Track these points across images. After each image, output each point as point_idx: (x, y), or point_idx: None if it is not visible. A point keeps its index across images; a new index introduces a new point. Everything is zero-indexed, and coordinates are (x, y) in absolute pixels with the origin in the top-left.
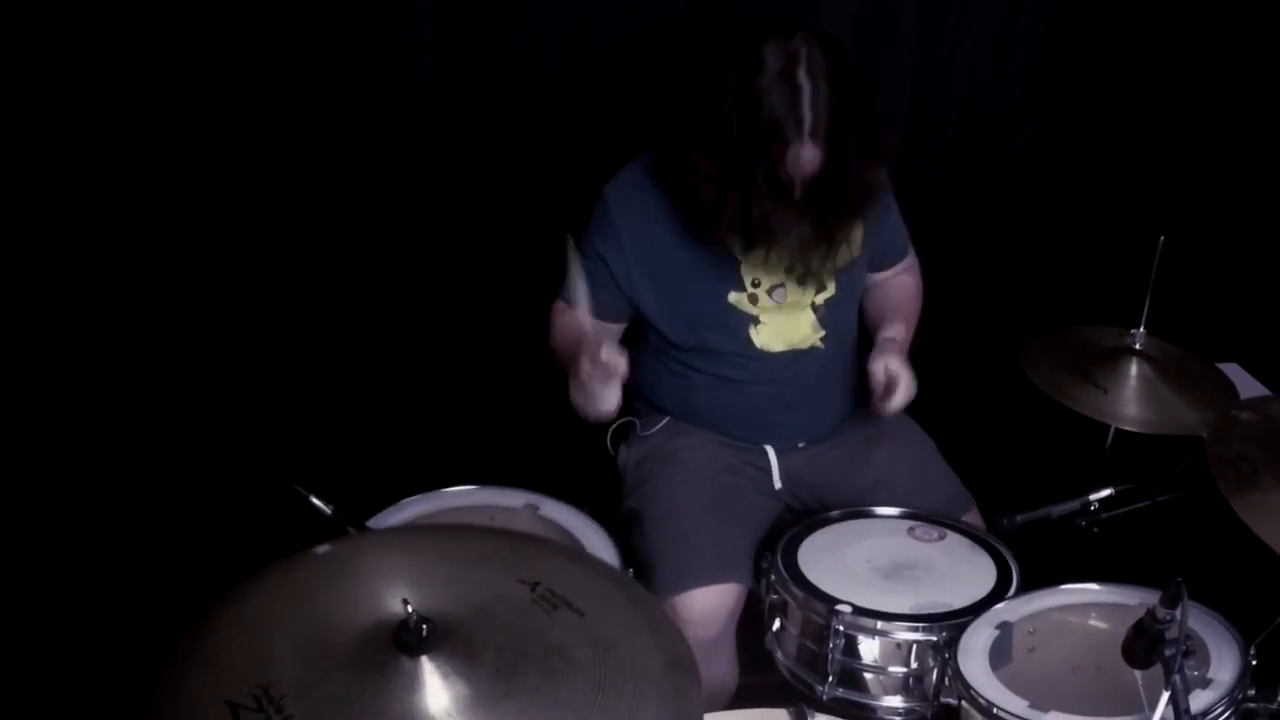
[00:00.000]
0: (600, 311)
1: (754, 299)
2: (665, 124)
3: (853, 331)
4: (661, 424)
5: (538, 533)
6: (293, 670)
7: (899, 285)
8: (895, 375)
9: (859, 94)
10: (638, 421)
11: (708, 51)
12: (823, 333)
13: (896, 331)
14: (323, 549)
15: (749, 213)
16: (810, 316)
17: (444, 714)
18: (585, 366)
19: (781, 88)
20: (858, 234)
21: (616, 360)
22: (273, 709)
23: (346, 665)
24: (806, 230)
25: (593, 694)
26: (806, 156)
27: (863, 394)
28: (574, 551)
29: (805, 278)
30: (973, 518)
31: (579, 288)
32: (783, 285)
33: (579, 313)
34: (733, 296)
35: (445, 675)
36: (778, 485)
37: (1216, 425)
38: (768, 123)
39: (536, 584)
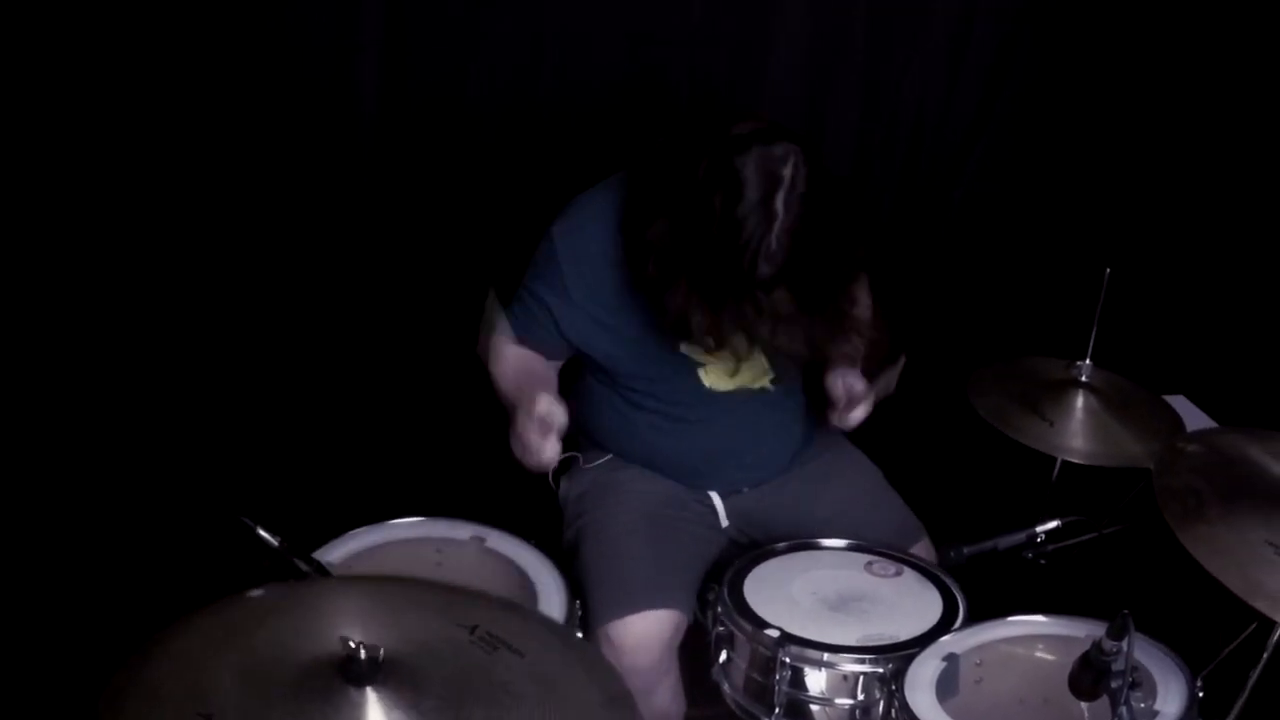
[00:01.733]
0: (544, 353)
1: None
2: (642, 227)
3: (800, 375)
4: (606, 458)
5: (484, 564)
6: (235, 699)
7: None
8: (854, 388)
9: (835, 216)
10: (580, 456)
11: (684, 147)
12: (772, 374)
13: (852, 349)
14: (256, 592)
15: (737, 329)
16: (762, 360)
17: None
18: (521, 419)
19: (759, 213)
20: None
21: (555, 412)
22: None
23: (291, 696)
24: (800, 338)
25: None
26: (775, 259)
27: (809, 434)
28: (508, 601)
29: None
30: (923, 548)
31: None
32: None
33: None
34: (685, 345)
35: (391, 707)
36: (724, 524)
37: (1163, 457)
38: (745, 233)
39: (475, 627)
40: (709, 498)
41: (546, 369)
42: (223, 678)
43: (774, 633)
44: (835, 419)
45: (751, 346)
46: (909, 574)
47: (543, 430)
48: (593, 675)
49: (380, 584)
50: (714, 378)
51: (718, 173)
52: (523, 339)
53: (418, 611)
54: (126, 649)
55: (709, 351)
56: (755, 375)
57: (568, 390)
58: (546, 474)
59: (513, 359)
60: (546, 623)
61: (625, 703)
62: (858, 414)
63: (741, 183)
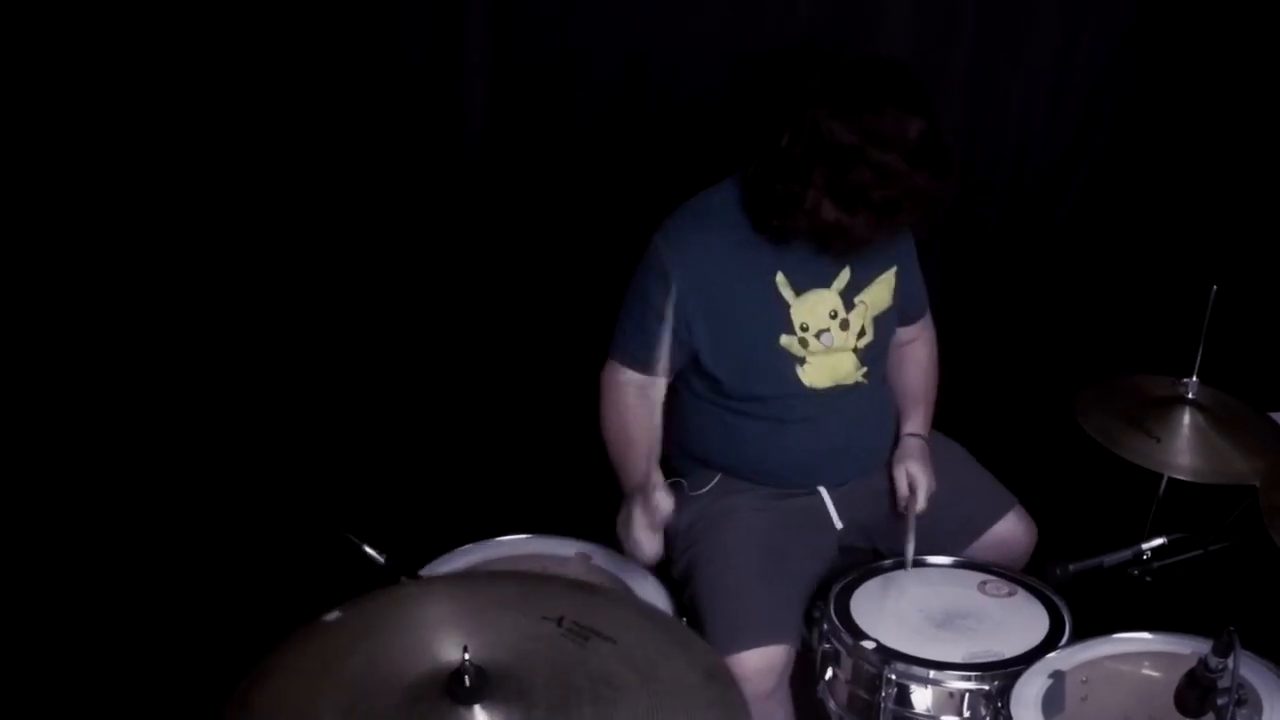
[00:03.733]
0: (660, 367)
1: (804, 343)
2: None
3: (885, 372)
4: (712, 484)
5: (590, 582)
6: None
7: (915, 361)
8: (915, 480)
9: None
10: (685, 482)
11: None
12: (864, 369)
13: (916, 424)
14: (332, 615)
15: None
16: (852, 357)
17: None
18: (633, 515)
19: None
20: (891, 281)
21: (661, 506)
22: None
23: None
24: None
25: (648, 714)
26: (913, 127)
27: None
28: (585, 583)
29: (853, 305)
30: (1017, 515)
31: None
32: (828, 330)
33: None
34: (784, 339)
35: None
36: (839, 525)
37: (1269, 474)
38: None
39: (561, 618)
40: (819, 497)
41: (649, 421)
42: (326, 717)
43: (870, 644)
44: (901, 507)
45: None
46: (1020, 593)
47: (652, 526)
48: (689, 653)
49: (459, 584)
50: (812, 375)
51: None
52: (631, 361)
53: (502, 609)
54: (236, 670)
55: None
56: (849, 371)
57: (669, 413)
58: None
59: (614, 408)
60: (630, 602)
61: (724, 676)
62: (921, 503)
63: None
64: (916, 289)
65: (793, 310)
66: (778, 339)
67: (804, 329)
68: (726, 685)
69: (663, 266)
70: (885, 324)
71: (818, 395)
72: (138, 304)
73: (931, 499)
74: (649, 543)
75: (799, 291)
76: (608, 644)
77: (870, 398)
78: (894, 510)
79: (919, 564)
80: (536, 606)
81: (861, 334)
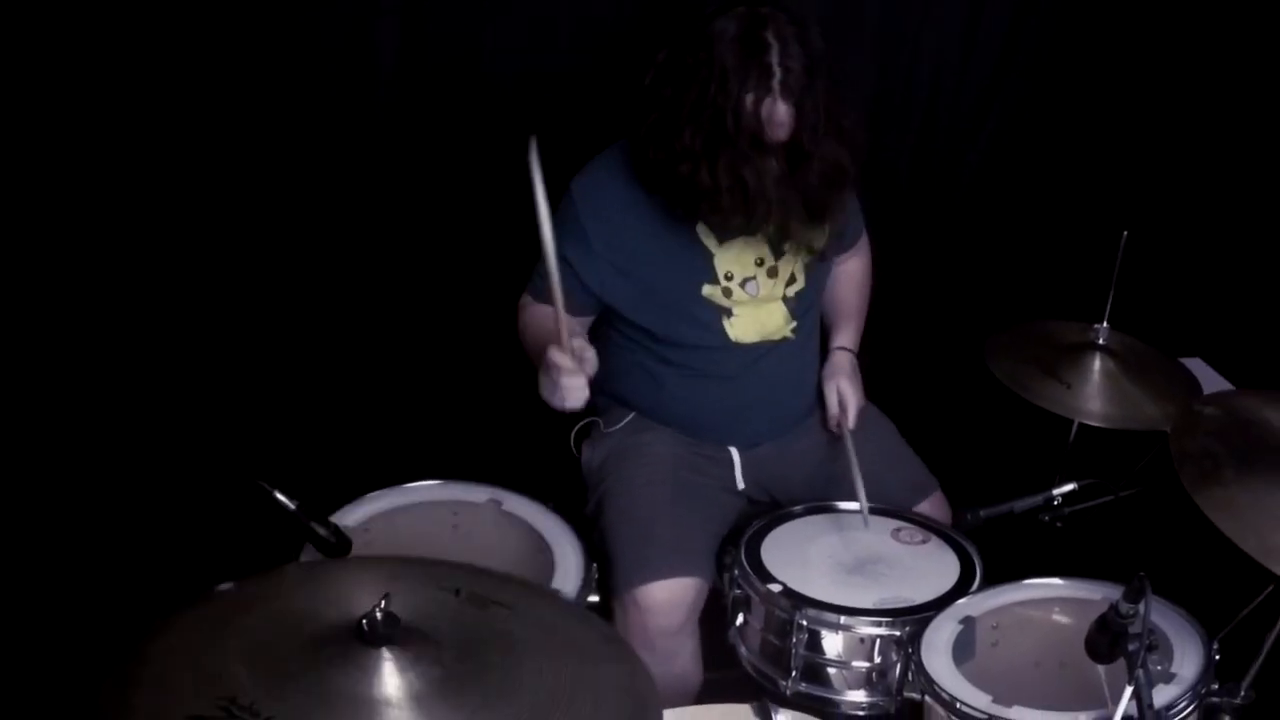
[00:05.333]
0: (569, 308)
1: (727, 292)
2: (640, 113)
3: (818, 322)
4: (625, 420)
5: (501, 527)
6: (251, 679)
7: (849, 275)
8: (845, 397)
9: (825, 60)
10: (600, 420)
11: (677, 36)
12: (794, 323)
13: (847, 338)
14: (225, 586)
15: (743, 180)
16: (782, 308)
17: (421, 696)
18: (553, 358)
19: (748, 47)
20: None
21: (585, 353)
22: (248, 715)
23: (311, 668)
24: (796, 199)
25: (555, 661)
26: (779, 114)
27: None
28: (476, 566)
29: (783, 253)
30: (937, 500)
31: (554, 285)
32: (754, 278)
33: (555, 310)
34: (706, 290)
35: (414, 661)
36: (740, 485)
37: (1179, 420)
38: (740, 83)
39: (458, 590)
40: (728, 455)
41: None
42: (230, 663)
43: (776, 587)
44: (833, 425)
45: (755, 216)
46: (934, 541)
47: (573, 371)
48: (584, 621)
49: (353, 564)
50: (739, 329)
51: (707, 26)
52: (542, 300)
53: (401, 581)
54: (146, 617)
55: (720, 225)
56: (778, 325)
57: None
58: (569, 426)
59: (539, 313)
60: (519, 581)
61: (619, 640)
62: (851, 420)
63: (726, 28)
64: (852, 217)
65: (716, 259)
66: (699, 289)
67: (728, 278)
68: (623, 647)
69: (577, 218)
70: (819, 269)
71: (742, 350)
72: (41, 246)
73: (866, 475)
74: (577, 383)
75: (723, 239)
76: (505, 610)
77: (795, 355)
78: (825, 427)
79: (829, 509)
80: (433, 580)
81: (792, 281)
